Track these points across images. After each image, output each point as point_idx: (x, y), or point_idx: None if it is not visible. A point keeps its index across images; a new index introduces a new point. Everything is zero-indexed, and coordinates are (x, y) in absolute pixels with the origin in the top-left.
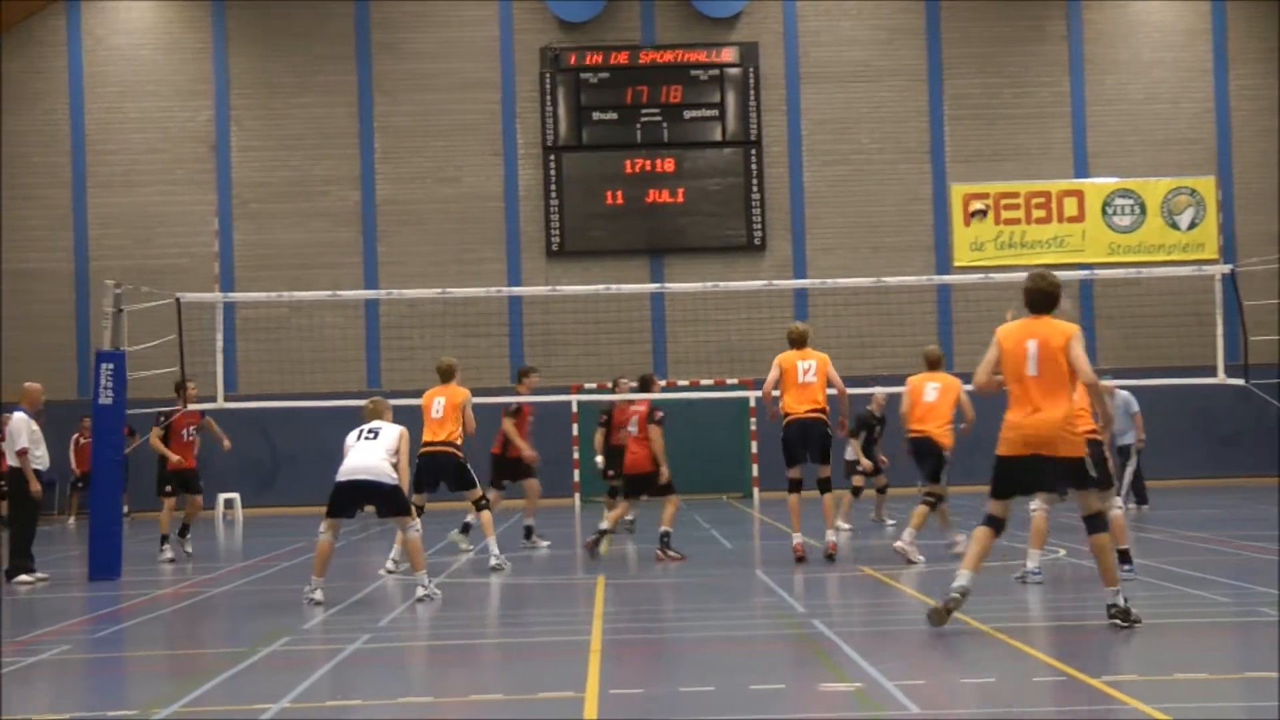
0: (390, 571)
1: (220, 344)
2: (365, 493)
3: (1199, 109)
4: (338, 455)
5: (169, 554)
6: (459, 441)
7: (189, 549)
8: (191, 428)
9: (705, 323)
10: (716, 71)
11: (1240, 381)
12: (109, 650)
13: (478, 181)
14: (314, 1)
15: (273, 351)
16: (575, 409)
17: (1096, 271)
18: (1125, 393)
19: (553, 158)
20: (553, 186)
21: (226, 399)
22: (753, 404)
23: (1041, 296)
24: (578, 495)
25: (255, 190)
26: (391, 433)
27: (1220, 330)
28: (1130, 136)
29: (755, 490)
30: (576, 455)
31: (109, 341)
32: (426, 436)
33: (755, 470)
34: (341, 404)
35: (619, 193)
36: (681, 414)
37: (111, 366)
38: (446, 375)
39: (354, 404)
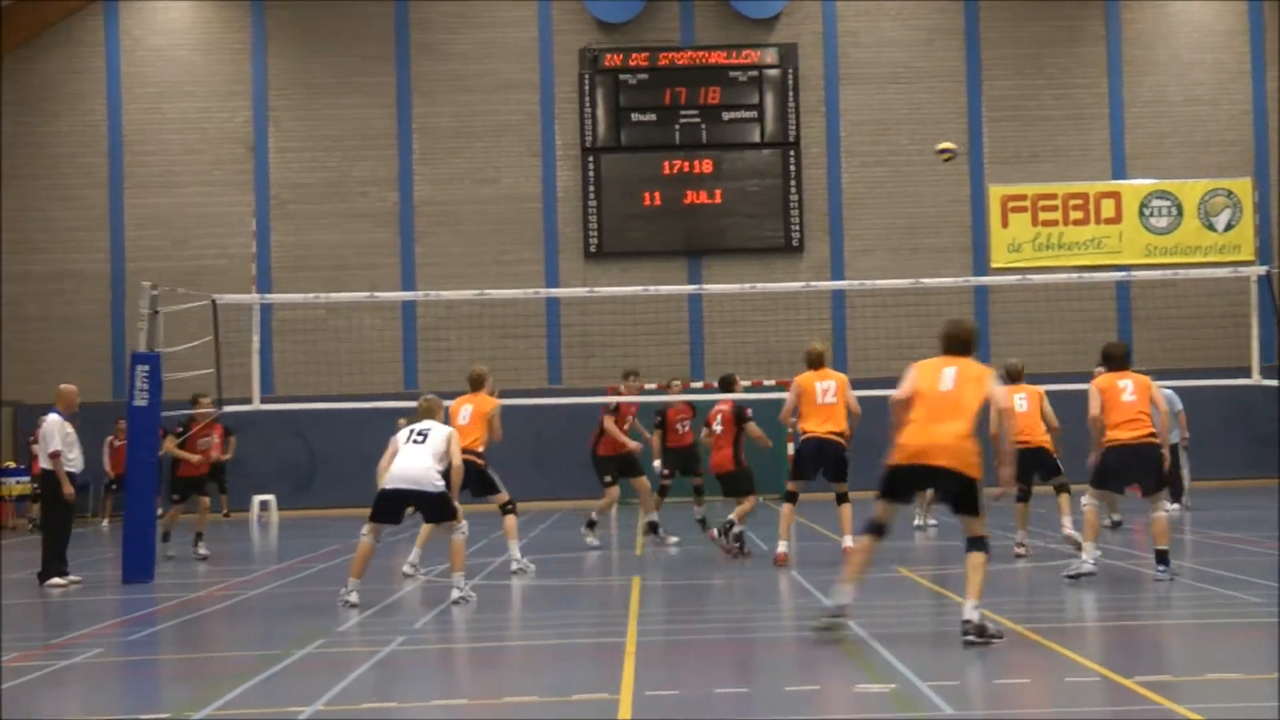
0: (408, 575)
1: (257, 345)
2: (410, 500)
3: (1237, 110)
4: (375, 457)
5: (171, 551)
6: (480, 449)
7: (204, 551)
8: (208, 438)
9: (743, 324)
10: (755, 72)
11: (1275, 383)
12: (143, 653)
13: (516, 183)
14: (353, 2)
15: (309, 353)
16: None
17: (1133, 273)
18: (1169, 391)
19: (591, 159)
20: (591, 187)
21: (263, 400)
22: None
23: (957, 342)
24: None
25: (293, 191)
26: (440, 434)
27: (1255, 331)
28: (1168, 138)
29: None
30: None
31: (144, 343)
32: None
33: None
34: (378, 405)
35: (657, 194)
36: None
37: (147, 368)
38: (476, 384)
39: (391, 405)
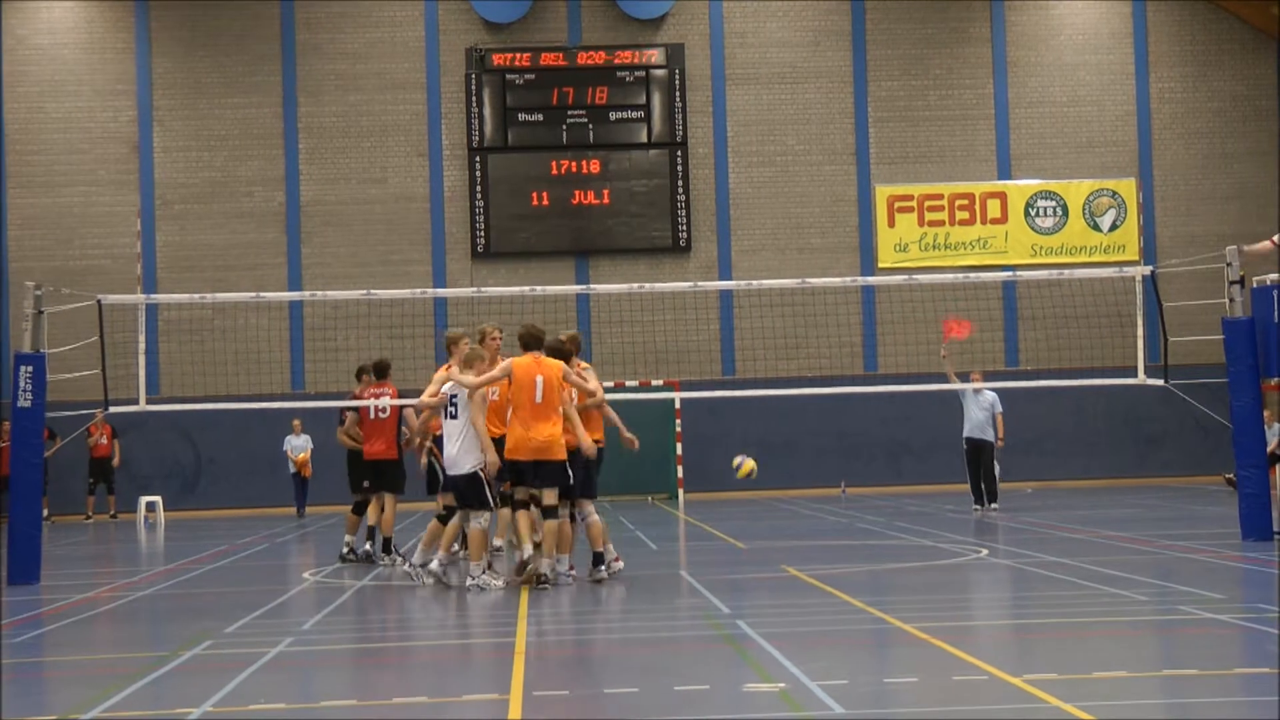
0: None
1: (143, 346)
2: None
3: (1121, 111)
4: (261, 457)
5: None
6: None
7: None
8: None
9: (631, 324)
10: (642, 73)
11: (1160, 382)
12: (28, 655)
13: (403, 182)
14: (238, 1)
15: (196, 353)
16: None
17: (1019, 273)
18: (991, 393)
19: (478, 159)
20: (478, 188)
21: (149, 401)
22: (678, 405)
23: (532, 340)
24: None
25: (178, 191)
26: None
27: (1141, 331)
28: (1053, 139)
29: (680, 491)
30: None
31: (29, 344)
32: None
33: (680, 471)
34: (265, 406)
35: (545, 194)
36: None
37: (30, 369)
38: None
39: (278, 406)
